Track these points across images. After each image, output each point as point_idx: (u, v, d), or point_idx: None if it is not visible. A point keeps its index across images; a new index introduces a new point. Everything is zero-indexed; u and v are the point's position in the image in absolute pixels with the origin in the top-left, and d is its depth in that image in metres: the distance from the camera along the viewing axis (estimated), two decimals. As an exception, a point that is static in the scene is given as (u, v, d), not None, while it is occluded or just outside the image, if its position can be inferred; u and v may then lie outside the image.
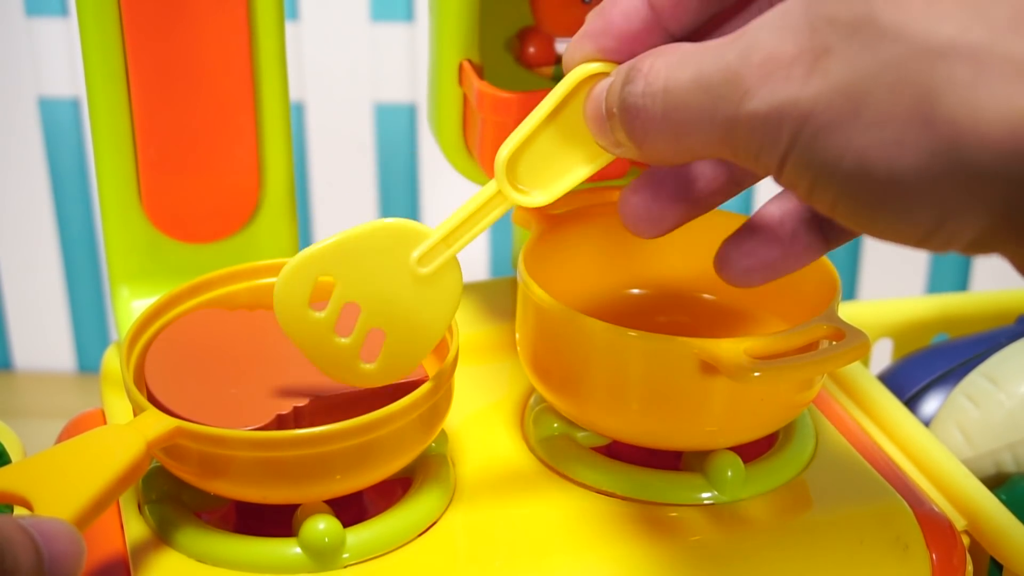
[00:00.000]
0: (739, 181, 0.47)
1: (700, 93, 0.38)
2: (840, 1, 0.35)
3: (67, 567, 0.40)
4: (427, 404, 0.49)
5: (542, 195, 0.46)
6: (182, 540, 0.49)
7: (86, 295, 1.26)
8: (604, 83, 0.43)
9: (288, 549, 0.48)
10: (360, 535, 0.49)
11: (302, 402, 0.49)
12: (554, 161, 0.45)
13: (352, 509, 0.52)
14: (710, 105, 0.38)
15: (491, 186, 0.46)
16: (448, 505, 0.52)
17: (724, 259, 0.47)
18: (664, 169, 0.46)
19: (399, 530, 0.50)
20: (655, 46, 0.41)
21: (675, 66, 0.39)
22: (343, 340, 0.48)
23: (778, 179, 0.37)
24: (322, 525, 0.48)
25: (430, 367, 0.53)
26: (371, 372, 0.49)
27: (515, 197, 0.45)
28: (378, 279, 0.47)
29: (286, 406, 0.49)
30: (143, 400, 0.48)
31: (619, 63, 0.43)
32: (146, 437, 0.46)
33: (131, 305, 0.60)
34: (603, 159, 0.45)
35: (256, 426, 0.48)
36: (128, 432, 0.46)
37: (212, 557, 0.48)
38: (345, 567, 0.48)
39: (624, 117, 0.41)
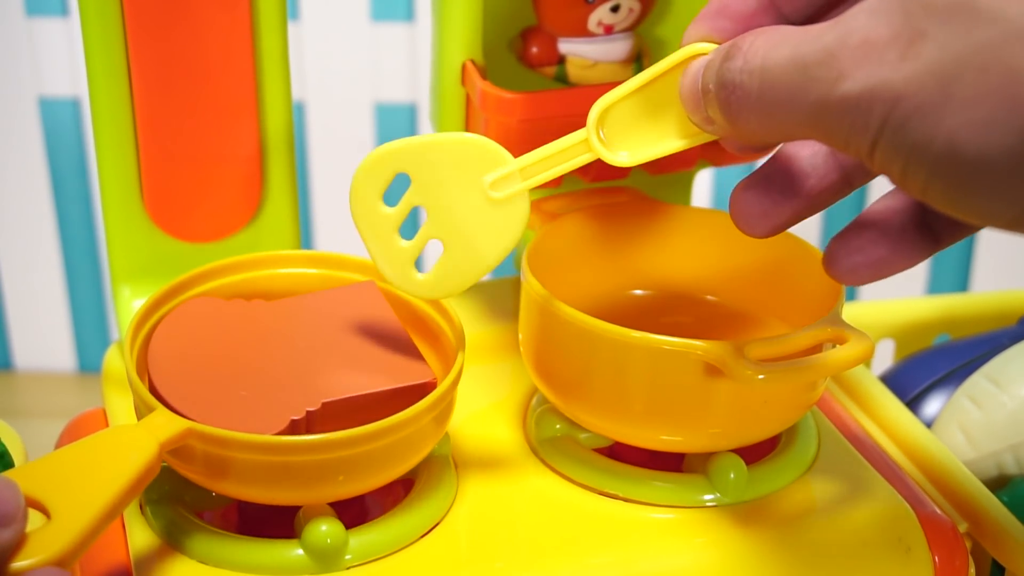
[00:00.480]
0: (851, 180, 0.47)
1: (796, 73, 0.39)
2: None
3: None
4: (436, 410, 0.49)
5: (627, 156, 0.46)
6: (184, 541, 0.49)
7: (86, 295, 1.26)
8: (702, 60, 0.43)
9: (290, 551, 0.48)
10: (362, 537, 0.49)
11: (314, 406, 0.49)
12: (644, 129, 0.46)
13: (354, 511, 0.52)
14: (804, 85, 0.38)
15: (580, 133, 0.46)
16: (450, 506, 0.52)
17: (832, 256, 0.47)
18: (775, 165, 0.47)
19: (402, 532, 0.50)
20: None
21: (774, 45, 0.40)
22: (404, 242, 0.49)
23: (870, 163, 0.38)
24: (324, 527, 0.48)
25: (433, 365, 0.53)
26: (420, 281, 0.49)
27: (599, 148, 0.46)
28: (450, 189, 0.48)
29: (299, 410, 0.48)
30: (152, 399, 0.48)
31: None
32: (158, 439, 0.46)
33: (132, 305, 0.60)
34: (692, 137, 0.45)
35: (272, 432, 0.47)
36: (140, 434, 0.46)
37: (214, 558, 0.48)
38: (347, 568, 0.48)
39: (721, 93, 0.42)
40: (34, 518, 0.43)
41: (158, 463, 0.46)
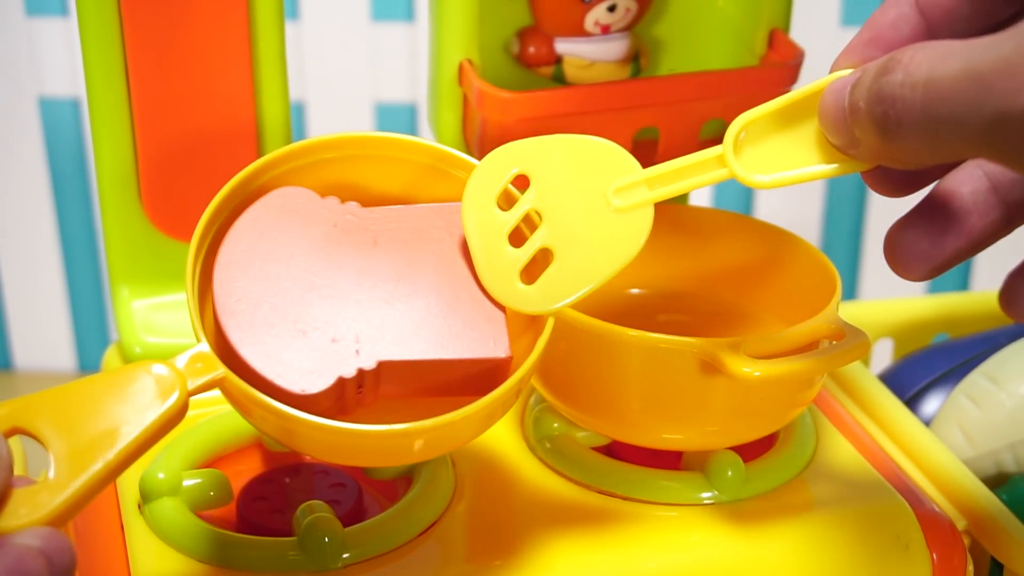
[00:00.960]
0: (1012, 217, 0.44)
1: (969, 84, 0.36)
2: None
3: (68, 575, 0.38)
4: (507, 405, 0.45)
5: (763, 178, 0.43)
6: (182, 540, 0.49)
7: (86, 295, 1.26)
8: (848, 78, 0.41)
9: (288, 550, 0.48)
10: (360, 535, 0.49)
11: (369, 363, 0.44)
12: (781, 151, 0.43)
13: (352, 508, 0.52)
14: (979, 97, 0.36)
15: (715, 148, 0.43)
16: (448, 505, 0.52)
17: (895, 246, 0.44)
18: (933, 202, 0.44)
19: (399, 530, 0.50)
20: None
21: (940, 58, 0.38)
22: (512, 249, 0.45)
23: None
24: (321, 525, 0.48)
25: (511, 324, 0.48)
26: (524, 292, 0.45)
27: (736, 166, 0.43)
28: (570, 194, 0.45)
29: (350, 366, 0.44)
30: (199, 329, 0.43)
31: None
32: (187, 386, 0.41)
33: (131, 305, 0.60)
34: (832, 163, 0.42)
35: (315, 390, 0.43)
36: (169, 377, 0.41)
37: (212, 557, 0.48)
38: (345, 567, 0.48)
39: (876, 109, 0.39)
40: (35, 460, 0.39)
41: (183, 412, 0.42)
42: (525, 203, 0.45)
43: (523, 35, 0.62)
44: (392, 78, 1.18)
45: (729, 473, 0.52)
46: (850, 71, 0.41)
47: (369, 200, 0.48)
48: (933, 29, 0.42)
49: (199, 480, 0.52)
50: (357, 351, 0.44)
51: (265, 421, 0.43)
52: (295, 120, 1.18)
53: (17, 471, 0.42)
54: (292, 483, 0.53)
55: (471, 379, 0.45)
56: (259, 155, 0.59)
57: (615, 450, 0.55)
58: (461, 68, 0.59)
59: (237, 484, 0.53)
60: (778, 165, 0.43)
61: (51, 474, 0.39)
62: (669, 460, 0.54)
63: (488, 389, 0.44)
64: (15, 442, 0.58)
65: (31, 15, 1.14)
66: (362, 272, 0.46)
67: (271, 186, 0.47)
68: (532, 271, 0.45)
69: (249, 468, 0.56)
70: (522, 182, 0.46)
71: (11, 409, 0.40)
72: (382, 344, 0.45)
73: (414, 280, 0.46)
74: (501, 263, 0.45)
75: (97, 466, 0.39)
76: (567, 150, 0.45)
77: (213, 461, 0.55)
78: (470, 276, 0.47)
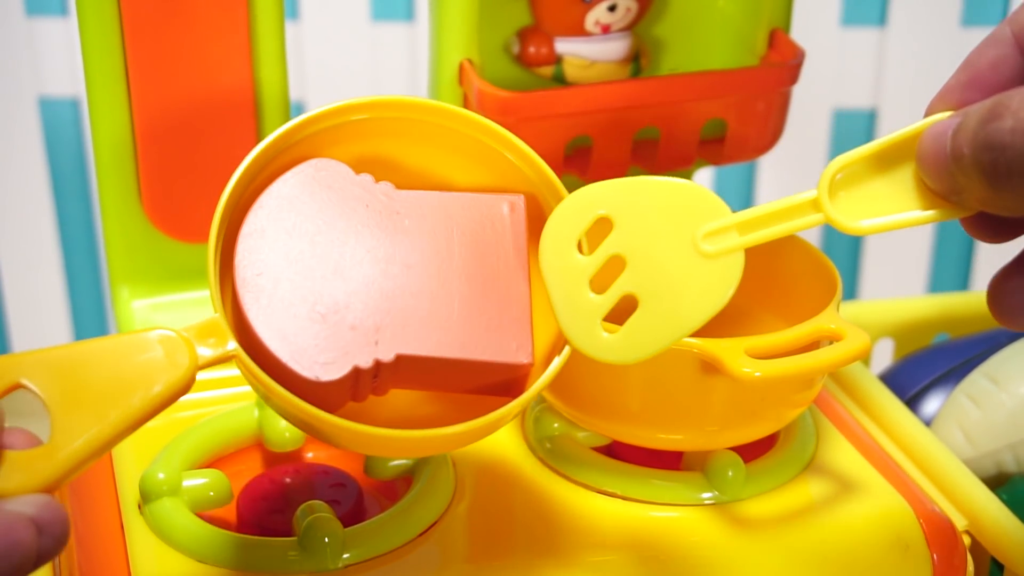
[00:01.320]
0: None
1: None
2: None
3: (60, 545, 0.37)
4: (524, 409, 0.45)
5: (863, 223, 0.42)
6: (182, 540, 0.49)
7: (86, 295, 1.26)
8: (948, 122, 0.40)
9: (288, 549, 0.48)
10: (360, 535, 0.49)
11: (387, 355, 0.43)
12: (877, 196, 0.42)
13: (352, 509, 0.52)
14: None
15: (808, 192, 0.42)
16: (448, 505, 0.52)
17: (1000, 297, 0.43)
18: None
19: (400, 530, 0.50)
20: None
21: None
22: (594, 296, 0.44)
23: None
24: (322, 525, 0.48)
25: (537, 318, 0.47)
26: (607, 341, 0.43)
27: (832, 211, 0.42)
28: (656, 238, 0.43)
29: (367, 357, 0.43)
30: (218, 299, 0.42)
31: None
32: (197, 360, 0.40)
33: (131, 305, 0.60)
34: (931, 208, 0.41)
35: (329, 379, 0.42)
36: (180, 348, 0.40)
37: (212, 557, 0.48)
38: (345, 567, 0.48)
39: (983, 156, 0.38)
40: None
41: (190, 384, 0.40)
42: (608, 247, 0.44)
43: (523, 35, 0.62)
44: (392, 78, 1.18)
45: (729, 473, 0.52)
46: (949, 114, 0.40)
47: (404, 180, 0.46)
48: None
49: (199, 480, 0.52)
50: (376, 341, 0.43)
51: (270, 399, 0.43)
52: (295, 120, 1.18)
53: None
54: (292, 483, 0.53)
55: (488, 379, 0.44)
56: (259, 155, 0.59)
57: (615, 450, 0.55)
58: (461, 68, 0.59)
59: (237, 484, 0.53)
60: (874, 210, 0.42)
61: (48, 437, 0.38)
62: (669, 460, 0.54)
63: (502, 390, 0.44)
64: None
65: (31, 15, 1.14)
66: (389, 258, 0.44)
67: (306, 154, 0.45)
68: (613, 317, 0.44)
69: (249, 468, 0.56)
70: (603, 225, 0.44)
71: (12, 363, 0.39)
72: (402, 336, 0.43)
73: (442, 272, 0.45)
74: (582, 309, 0.44)
75: (96, 434, 0.38)
76: (653, 192, 0.43)
77: (213, 461, 0.55)
78: (501, 273, 0.45)
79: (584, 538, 0.51)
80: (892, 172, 0.42)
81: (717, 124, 0.62)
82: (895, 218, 0.41)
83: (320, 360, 0.42)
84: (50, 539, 0.36)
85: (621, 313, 0.43)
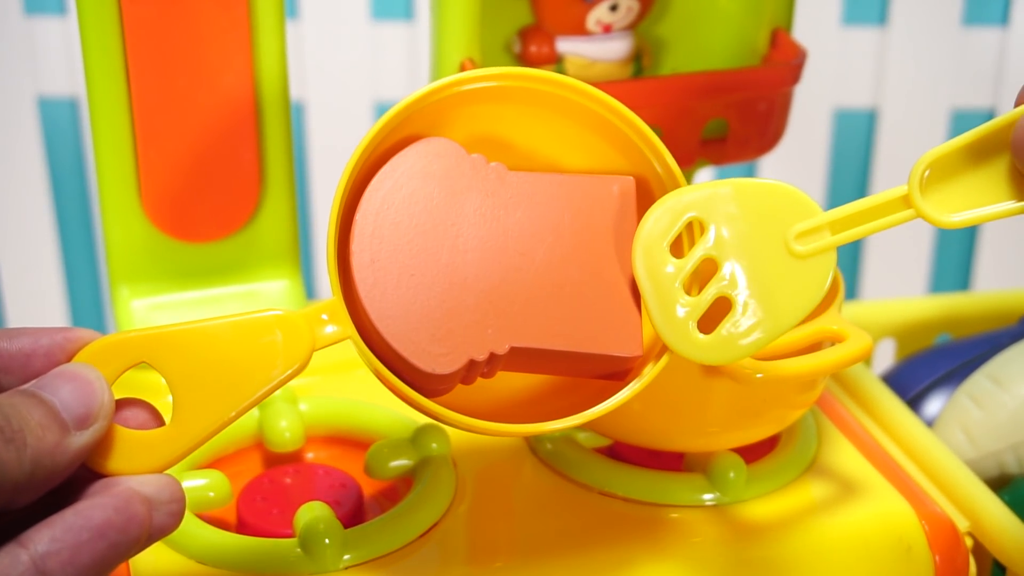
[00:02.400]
0: None
1: None
2: None
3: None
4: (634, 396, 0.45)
5: (955, 217, 0.42)
6: (182, 540, 0.49)
7: (86, 295, 1.26)
8: None
9: (289, 550, 0.48)
10: (360, 536, 0.49)
11: (501, 348, 0.43)
12: (969, 188, 0.42)
13: (352, 509, 0.52)
14: None
15: (898, 189, 0.42)
16: (450, 506, 0.52)
17: None
18: None
19: (400, 531, 0.50)
20: None
21: None
22: (687, 297, 0.44)
23: None
24: (322, 526, 0.48)
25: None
26: (703, 343, 0.43)
27: (924, 206, 0.42)
28: (750, 239, 0.43)
29: (482, 349, 0.43)
30: (336, 281, 0.42)
31: None
32: (314, 344, 0.41)
33: (131, 305, 0.59)
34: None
35: (444, 372, 0.42)
36: (298, 330, 0.41)
37: (212, 557, 0.48)
38: (346, 568, 0.48)
39: None
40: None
41: (304, 366, 0.41)
42: (701, 249, 0.44)
43: (524, 34, 0.62)
44: (392, 77, 1.18)
45: (731, 474, 0.52)
46: None
47: (515, 162, 0.46)
48: None
49: (199, 481, 0.51)
50: (489, 330, 0.43)
51: (383, 383, 0.43)
52: (295, 120, 1.18)
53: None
54: (292, 483, 0.53)
55: (597, 368, 0.45)
56: (260, 154, 0.59)
57: (617, 451, 0.55)
58: (462, 67, 0.59)
59: (237, 484, 0.53)
60: (965, 203, 0.42)
61: (170, 419, 0.40)
62: (671, 461, 0.54)
63: (609, 376, 0.45)
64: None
65: (29, 14, 1.14)
66: (502, 246, 0.44)
67: (420, 133, 0.45)
68: (707, 318, 0.44)
69: (249, 468, 0.56)
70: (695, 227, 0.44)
71: (142, 340, 0.40)
72: (516, 326, 0.44)
73: (554, 258, 0.45)
74: (676, 311, 0.44)
75: (216, 418, 0.40)
76: (743, 194, 0.44)
77: (213, 461, 0.55)
78: (610, 257, 0.45)
79: (585, 539, 0.51)
80: (984, 164, 0.42)
81: (719, 124, 0.62)
82: (988, 210, 0.42)
83: (435, 351, 0.42)
84: (168, 516, 0.39)
85: (711, 315, 0.44)
